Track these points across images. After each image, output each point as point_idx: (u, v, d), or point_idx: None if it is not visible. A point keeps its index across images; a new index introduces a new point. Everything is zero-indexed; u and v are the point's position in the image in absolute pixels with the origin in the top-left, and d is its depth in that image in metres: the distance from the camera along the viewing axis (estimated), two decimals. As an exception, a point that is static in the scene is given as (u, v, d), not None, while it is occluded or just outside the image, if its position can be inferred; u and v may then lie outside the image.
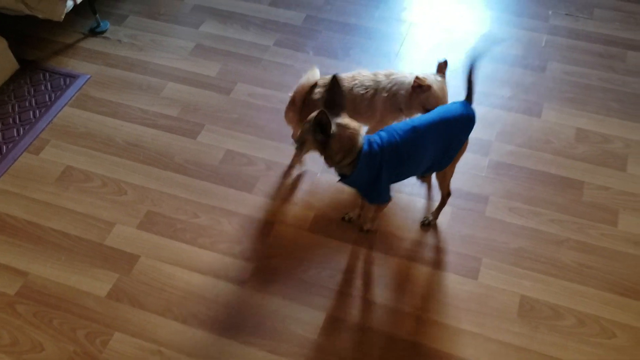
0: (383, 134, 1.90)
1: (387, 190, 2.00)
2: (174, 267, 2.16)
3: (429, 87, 2.06)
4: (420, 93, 2.08)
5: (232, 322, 2.01)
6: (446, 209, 2.29)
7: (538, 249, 2.18)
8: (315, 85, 2.20)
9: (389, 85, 2.15)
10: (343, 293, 2.09)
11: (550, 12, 3.11)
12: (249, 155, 2.50)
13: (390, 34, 3.03)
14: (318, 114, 1.75)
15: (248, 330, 1.99)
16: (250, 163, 2.47)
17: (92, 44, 3.01)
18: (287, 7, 3.18)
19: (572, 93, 2.70)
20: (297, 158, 2.48)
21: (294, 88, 2.21)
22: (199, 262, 2.17)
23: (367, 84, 2.17)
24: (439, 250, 2.20)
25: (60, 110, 2.69)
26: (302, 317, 2.03)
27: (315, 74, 2.21)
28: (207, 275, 2.13)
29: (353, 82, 2.18)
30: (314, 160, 2.46)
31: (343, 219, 2.27)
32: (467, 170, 2.43)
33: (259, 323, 2.01)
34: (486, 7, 3.16)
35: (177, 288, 2.10)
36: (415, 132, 1.87)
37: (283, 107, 2.65)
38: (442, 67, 2.13)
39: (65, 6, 2.67)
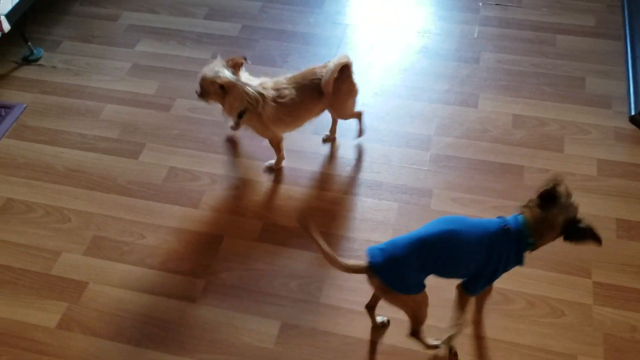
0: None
1: None
2: (123, 290, 2.13)
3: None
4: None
5: (186, 340, 2.00)
6: (392, 205, 2.32)
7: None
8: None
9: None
10: (296, 299, 2.09)
11: (480, 4, 3.18)
12: (192, 170, 2.49)
13: (327, 37, 3.05)
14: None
15: (203, 346, 1.98)
16: (194, 178, 2.46)
17: (26, 72, 2.96)
18: (222, 19, 3.18)
19: (506, 81, 2.77)
20: None
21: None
22: (148, 283, 2.15)
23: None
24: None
25: (-4, 142, 2.64)
26: (257, 327, 2.03)
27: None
28: (158, 295, 2.11)
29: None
30: (257, 171, 2.47)
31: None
32: (409, 165, 2.46)
33: (214, 339, 2.00)
34: (418, 4, 3.22)
35: (128, 311, 2.07)
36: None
37: (223, 118, 2.65)
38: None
39: (-7, 36, 2.62)
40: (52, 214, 2.37)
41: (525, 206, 1.69)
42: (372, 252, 1.68)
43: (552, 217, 1.62)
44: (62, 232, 2.31)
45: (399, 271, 1.64)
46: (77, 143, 2.62)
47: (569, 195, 1.63)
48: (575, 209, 1.64)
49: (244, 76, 2.24)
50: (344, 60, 2.21)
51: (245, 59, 2.24)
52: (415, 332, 1.84)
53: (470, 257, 1.67)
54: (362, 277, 2.09)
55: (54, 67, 2.98)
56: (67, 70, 2.96)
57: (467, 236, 1.65)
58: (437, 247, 1.64)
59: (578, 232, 1.62)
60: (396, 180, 2.42)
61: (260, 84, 2.25)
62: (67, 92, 2.85)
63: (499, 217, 1.70)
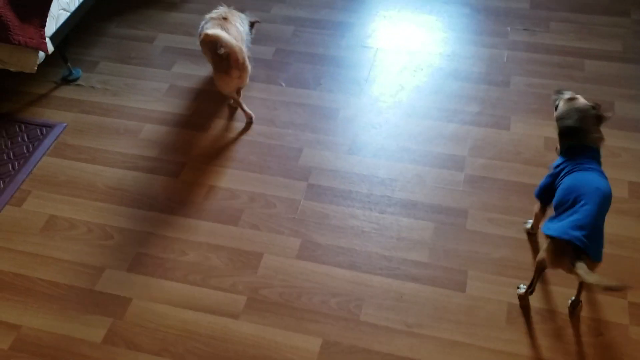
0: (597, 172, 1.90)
1: (545, 191, 2.03)
2: (166, 306, 2.18)
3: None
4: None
5: (229, 356, 2.04)
6: (428, 224, 2.37)
7: (519, 257, 2.26)
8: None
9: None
10: (336, 317, 2.13)
11: (508, 29, 3.25)
12: (231, 189, 2.54)
13: (358, 60, 3.12)
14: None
15: (246, 362, 2.02)
16: (233, 196, 2.51)
17: (66, 92, 3.04)
18: (256, 42, 3.25)
19: (536, 104, 2.82)
20: None
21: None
22: (191, 299, 2.19)
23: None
24: (425, 266, 2.26)
25: (39, 160, 2.70)
26: (299, 344, 2.06)
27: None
28: (201, 311, 2.16)
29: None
30: (293, 189, 2.52)
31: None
32: (444, 185, 2.51)
33: (256, 355, 2.04)
34: (447, 28, 3.29)
35: (172, 327, 2.12)
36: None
37: (259, 139, 2.73)
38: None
39: (37, 57, 2.70)
40: (94, 230, 2.43)
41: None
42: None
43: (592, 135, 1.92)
44: (105, 248, 2.37)
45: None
46: (117, 161, 2.69)
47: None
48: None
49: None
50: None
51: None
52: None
53: None
54: (401, 295, 2.15)
55: (92, 87, 3.06)
56: (106, 90, 3.04)
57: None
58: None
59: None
60: (431, 200, 2.46)
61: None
62: (106, 112, 2.92)
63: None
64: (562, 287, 2.16)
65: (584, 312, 2.09)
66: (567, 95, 2.00)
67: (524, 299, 2.14)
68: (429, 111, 2.84)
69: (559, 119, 1.97)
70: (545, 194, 2.01)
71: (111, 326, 2.13)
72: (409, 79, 2.99)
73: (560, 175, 1.91)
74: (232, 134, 2.78)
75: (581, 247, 1.73)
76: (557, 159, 1.98)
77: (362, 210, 2.46)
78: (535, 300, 2.13)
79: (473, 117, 2.78)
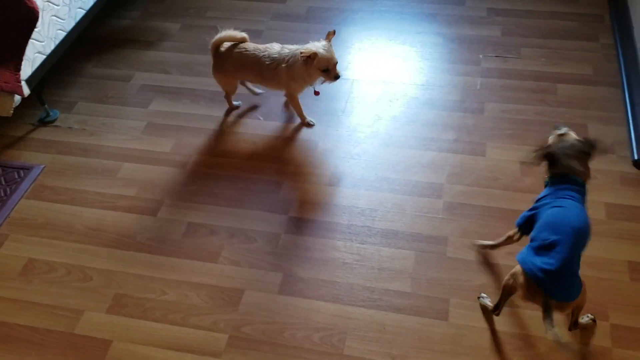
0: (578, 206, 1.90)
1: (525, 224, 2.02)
2: (147, 347, 2.14)
3: (315, 55, 2.56)
4: (310, 62, 2.59)
5: (212, 396, 2.01)
6: (409, 253, 2.37)
7: (500, 282, 2.25)
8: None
9: (288, 57, 2.69)
10: (320, 352, 2.11)
11: (481, 56, 3.30)
12: (210, 225, 2.53)
13: (335, 92, 3.15)
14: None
15: (229, 402, 1.99)
16: (212, 233, 2.50)
17: (43, 133, 3.03)
18: (232, 77, 3.28)
19: (511, 130, 2.86)
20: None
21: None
22: (172, 339, 2.16)
23: (273, 56, 2.72)
24: (407, 296, 2.25)
25: (16, 203, 2.68)
26: (282, 381, 2.04)
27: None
28: (182, 351, 2.13)
29: (262, 54, 2.74)
30: (274, 223, 2.52)
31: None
32: (424, 214, 2.52)
33: (239, 393, 2.01)
34: (421, 58, 3.34)
35: (153, 368, 2.09)
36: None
37: (239, 173, 2.74)
38: (329, 35, 2.65)
39: (13, 101, 2.70)
40: (73, 272, 2.40)
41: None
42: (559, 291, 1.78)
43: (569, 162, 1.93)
44: (84, 290, 2.34)
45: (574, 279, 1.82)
46: (95, 202, 2.67)
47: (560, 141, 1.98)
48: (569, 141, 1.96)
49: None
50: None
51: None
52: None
53: None
54: (384, 326, 2.13)
55: (70, 127, 3.06)
56: (83, 130, 3.04)
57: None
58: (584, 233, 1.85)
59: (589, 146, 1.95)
60: (411, 229, 2.47)
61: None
62: (84, 152, 2.92)
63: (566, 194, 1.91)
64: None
65: (567, 337, 2.09)
66: (561, 131, 2.02)
67: (487, 313, 2.17)
68: (406, 140, 2.86)
69: (546, 149, 1.98)
70: (526, 224, 2.01)
71: (91, 371, 2.09)
72: (385, 109, 3.03)
73: (541, 210, 1.92)
74: (211, 170, 2.77)
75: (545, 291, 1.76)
76: (543, 191, 2.00)
77: (343, 242, 2.45)
78: (516, 327, 2.13)
79: (449, 144, 2.81)
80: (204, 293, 2.30)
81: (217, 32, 2.77)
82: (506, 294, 2.00)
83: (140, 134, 2.99)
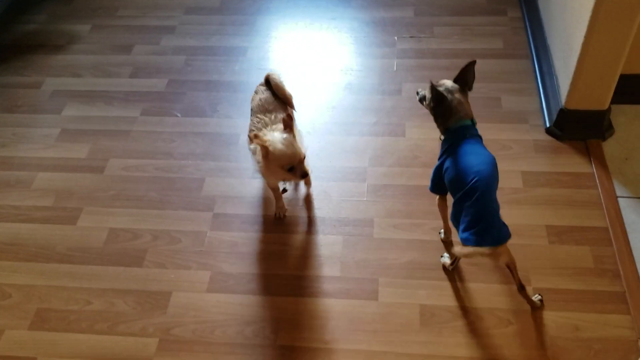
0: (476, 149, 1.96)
1: (436, 184, 2.08)
2: (74, 360, 2.08)
3: (266, 150, 2.07)
4: (267, 156, 2.10)
5: (145, 403, 1.96)
6: (337, 238, 2.38)
7: (426, 258, 2.30)
8: None
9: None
10: (253, 345, 2.09)
11: (395, 38, 3.34)
12: (132, 229, 2.47)
13: (253, 83, 3.05)
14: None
15: (163, 406, 1.95)
16: (135, 237, 2.44)
17: (-52, 149, 2.88)
18: (147, 76, 3.20)
19: (429, 108, 2.90)
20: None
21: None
22: (100, 349, 2.10)
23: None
24: (337, 280, 2.26)
25: None
26: (217, 378, 2.01)
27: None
28: (111, 360, 2.07)
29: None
30: (198, 221, 2.48)
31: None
32: (349, 198, 2.53)
33: (173, 396, 1.97)
34: (338, 43, 3.35)
35: (81, 382, 2.02)
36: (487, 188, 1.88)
37: (158, 174, 2.67)
38: (286, 122, 2.15)
39: None
40: (-10, 291, 2.29)
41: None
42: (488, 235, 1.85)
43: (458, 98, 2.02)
44: (3, 309, 2.23)
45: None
46: (10, 215, 2.56)
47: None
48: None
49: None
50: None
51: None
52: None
53: None
54: (316, 313, 2.13)
55: (-23, 141, 2.91)
56: (-8, 142, 2.90)
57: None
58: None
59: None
60: (338, 214, 2.48)
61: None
62: (-6, 165, 2.79)
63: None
64: (472, 283, 2.21)
65: (492, 304, 2.14)
66: (430, 85, 2.05)
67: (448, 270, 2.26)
68: (328, 126, 2.87)
69: (431, 103, 2.04)
70: (438, 186, 2.08)
71: (15, 391, 2.01)
72: (305, 97, 3.02)
73: (445, 167, 1.99)
74: (129, 173, 2.70)
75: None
76: (441, 148, 2.06)
77: (270, 234, 2.44)
78: (445, 300, 2.17)
79: (370, 127, 2.83)
80: (131, 299, 2.24)
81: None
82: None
83: (54, 142, 2.88)
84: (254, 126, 2.30)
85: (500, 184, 2.53)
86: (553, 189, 2.51)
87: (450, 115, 1.98)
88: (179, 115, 2.97)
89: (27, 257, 2.40)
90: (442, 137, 2.05)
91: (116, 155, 2.79)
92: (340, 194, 2.56)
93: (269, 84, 2.43)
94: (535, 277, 2.22)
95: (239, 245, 2.40)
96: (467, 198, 1.84)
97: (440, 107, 1.98)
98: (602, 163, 2.57)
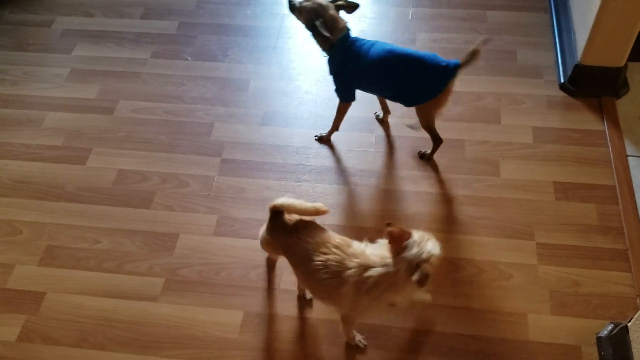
0: (368, 42, 2.24)
1: (347, 91, 2.31)
2: (82, 296, 2.13)
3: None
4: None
5: (151, 340, 2.02)
6: (343, 188, 2.39)
7: (433, 210, 2.31)
8: None
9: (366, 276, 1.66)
10: (257, 288, 2.13)
11: (412, -14, 3.26)
12: (141, 171, 2.49)
13: (265, 28, 3.08)
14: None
15: (168, 344, 2.01)
16: (144, 179, 2.46)
17: (-40, 86, 2.89)
18: (159, 17, 3.16)
19: (442, 59, 2.85)
20: None
21: None
22: (107, 287, 2.15)
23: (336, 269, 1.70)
24: (342, 229, 2.28)
25: (-64, 160, 2.57)
26: (221, 319, 2.06)
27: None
28: (118, 298, 2.12)
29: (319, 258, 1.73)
30: (207, 166, 2.49)
31: None
32: (357, 148, 2.53)
33: (178, 335, 2.03)
34: (353, -10, 3.27)
35: (89, 317, 2.08)
36: (389, 54, 2.17)
37: (168, 117, 2.67)
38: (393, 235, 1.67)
39: None
40: (1, 227, 2.34)
41: None
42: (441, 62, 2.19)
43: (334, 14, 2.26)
44: (14, 244, 2.29)
45: None
46: (21, 154, 2.58)
47: None
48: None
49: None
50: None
51: None
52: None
53: None
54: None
55: (-12, 78, 2.92)
56: (3, 80, 2.90)
57: None
58: None
59: None
60: (345, 164, 2.48)
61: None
62: (6, 103, 2.79)
63: None
64: (476, 236, 2.22)
65: (494, 257, 2.16)
66: None
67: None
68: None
69: (309, 21, 2.24)
70: (347, 93, 2.35)
71: (25, 323, 2.07)
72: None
73: (347, 73, 2.25)
74: (139, 115, 2.70)
75: None
76: (332, 64, 2.27)
77: (277, 181, 2.45)
78: (448, 251, 2.19)
79: (381, 77, 2.80)
80: (139, 239, 2.28)
81: None
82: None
83: (64, 82, 2.88)
84: (329, 267, 1.71)
85: (510, 139, 2.53)
86: (563, 146, 2.49)
87: (333, 30, 2.19)
88: (189, 58, 2.94)
89: (38, 195, 2.44)
90: (326, 55, 2.26)
91: (126, 97, 2.78)
92: (348, 144, 2.56)
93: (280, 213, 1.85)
94: (539, 232, 2.23)
95: (246, 190, 2.42)
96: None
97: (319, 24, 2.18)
98: (614, 121, 2.53)
